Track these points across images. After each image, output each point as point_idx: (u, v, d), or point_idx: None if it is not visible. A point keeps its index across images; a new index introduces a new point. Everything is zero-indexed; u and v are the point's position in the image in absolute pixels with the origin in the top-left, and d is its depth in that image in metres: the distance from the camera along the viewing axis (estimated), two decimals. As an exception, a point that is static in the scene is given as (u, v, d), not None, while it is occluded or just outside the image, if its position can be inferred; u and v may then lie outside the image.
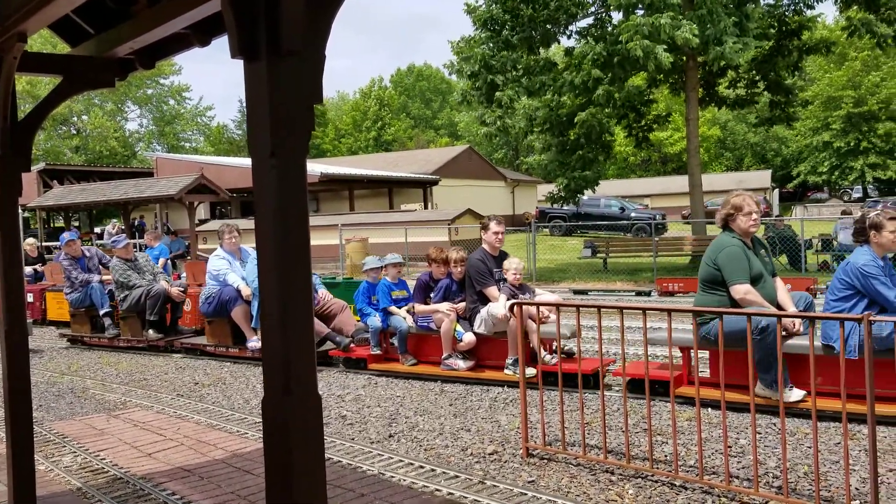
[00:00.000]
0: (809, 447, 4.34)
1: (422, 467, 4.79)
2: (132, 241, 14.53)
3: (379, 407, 6.48)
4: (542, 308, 6.34)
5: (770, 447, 4.83)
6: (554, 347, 6.97)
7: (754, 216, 5.66)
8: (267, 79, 1.88)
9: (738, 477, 4.32)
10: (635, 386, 6.23)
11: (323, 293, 8.74)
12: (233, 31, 1.97)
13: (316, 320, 8.25)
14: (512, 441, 5.27)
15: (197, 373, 8.54)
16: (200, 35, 3.26)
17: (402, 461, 4.93)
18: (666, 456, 4.75)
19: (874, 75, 53.68)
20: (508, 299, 6.64)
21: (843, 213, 23.17)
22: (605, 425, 4.72)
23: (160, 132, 65.13)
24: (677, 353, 8.46)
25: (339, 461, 4.96)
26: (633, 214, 35.89)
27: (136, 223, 29.47)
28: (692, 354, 6.37)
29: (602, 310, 4.69)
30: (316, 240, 25.38)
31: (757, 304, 5.38)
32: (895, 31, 17.02)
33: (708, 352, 6.20)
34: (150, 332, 9.91)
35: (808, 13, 19.47)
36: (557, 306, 5.35)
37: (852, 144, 54.72)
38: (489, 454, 5.02)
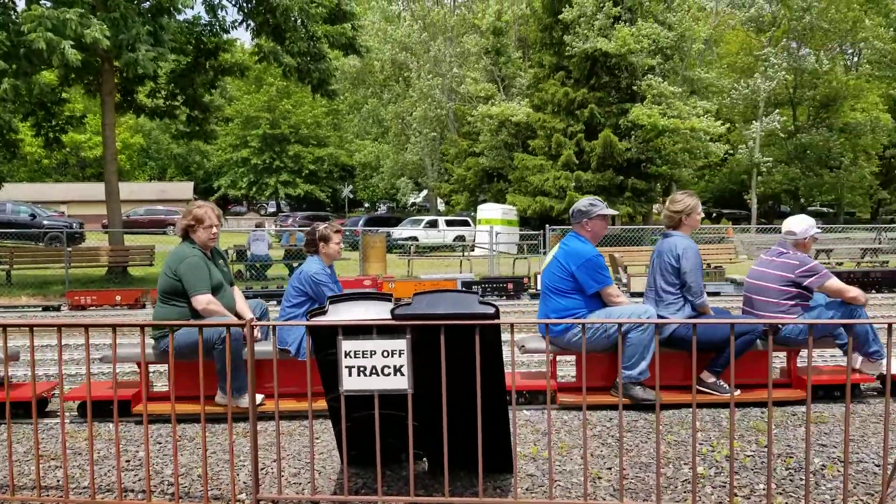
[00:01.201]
0: (210, 451, 4.48)
1: None
2: None
3: None
4: None
5: (168, 455, 4.87)
6: None
7: (214, 229, 5.76)
8: None
9: (133, 490, 4.25)
10: (84, 410, 5.79)
11: None
12: None
13: None
14: None
15: None
16: None
17: None
18: (58, 481, 4.42)
19: (286, 102, 59.72)
20: None
21: (257, 225, 24.98)
22: (-18, 459, 4.17)
23: None
24: (128, 368, 8.07)
25: None
26: (45, 222, 33.08)
27: None
28: (149, 369, 6.13)
29: (36, 328, 4.12)
30: None
31: (219, 313, 5.47)
32: (298, 64, 18.96)
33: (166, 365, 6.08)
34: None
35: (226, 36, 20.44)
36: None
37: (268, 163, 59.96)
38: None
